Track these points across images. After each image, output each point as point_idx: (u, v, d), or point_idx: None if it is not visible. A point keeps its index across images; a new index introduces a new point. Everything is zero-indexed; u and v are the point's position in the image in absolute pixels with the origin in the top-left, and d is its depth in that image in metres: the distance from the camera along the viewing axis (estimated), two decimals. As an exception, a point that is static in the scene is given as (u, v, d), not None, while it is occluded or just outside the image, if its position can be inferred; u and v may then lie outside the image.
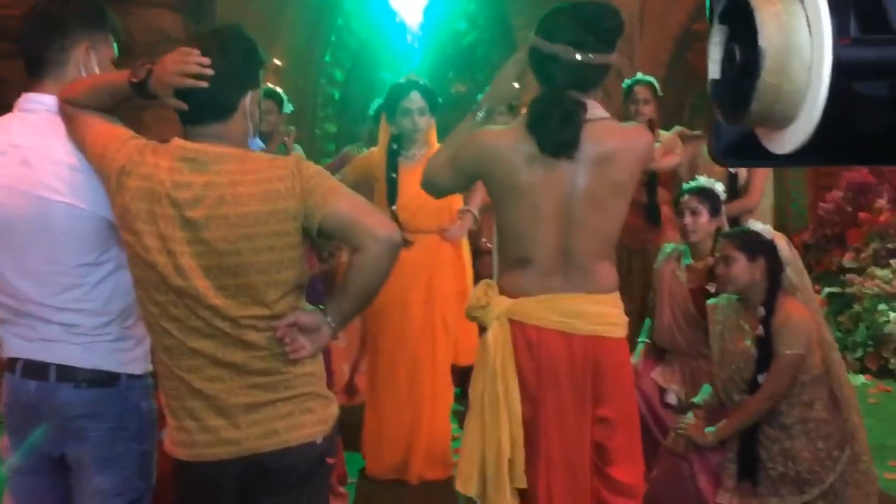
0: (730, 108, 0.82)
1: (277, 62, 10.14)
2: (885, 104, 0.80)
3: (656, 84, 6.38)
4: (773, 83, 0.76)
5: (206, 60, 2.45)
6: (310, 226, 2.48)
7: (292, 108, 6.40)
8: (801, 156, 0.81)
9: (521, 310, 3.02)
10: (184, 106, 2.50)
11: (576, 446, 3.04)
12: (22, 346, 2.73)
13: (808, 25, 0.76)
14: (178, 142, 2.53)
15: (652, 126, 6.09)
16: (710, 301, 4.41)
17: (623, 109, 6.42)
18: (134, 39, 9.27)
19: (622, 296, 3.23)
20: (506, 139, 3.03)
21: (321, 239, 2.59)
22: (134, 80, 2.54)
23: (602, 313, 3.08)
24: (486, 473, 2.99)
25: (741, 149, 0.85)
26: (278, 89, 6.34)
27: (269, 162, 2.53)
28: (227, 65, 2.52)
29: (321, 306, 2.60)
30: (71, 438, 2.72)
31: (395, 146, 5.17)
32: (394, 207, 5.02)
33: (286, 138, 5.95)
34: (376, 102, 5.91)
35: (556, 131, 2.93)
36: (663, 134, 6.30)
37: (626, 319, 3.17)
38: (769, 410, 4.05)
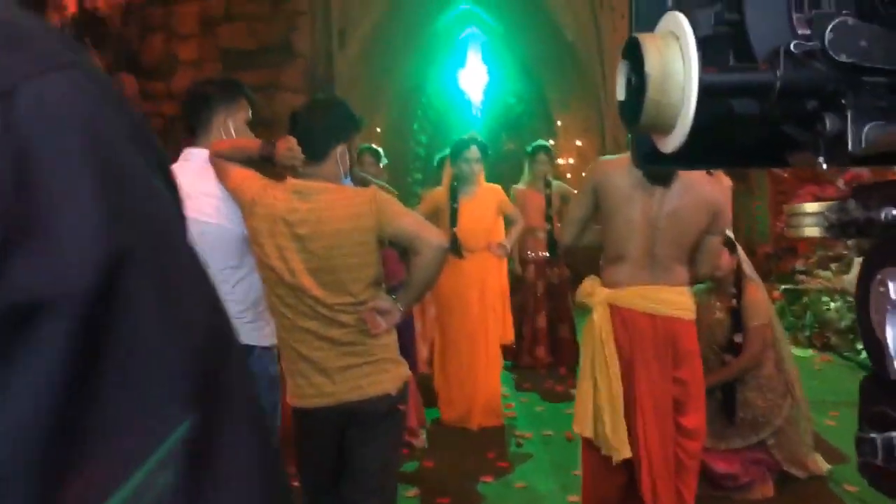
0: (629, 120, 0.80)
1: (378, 129, 10.24)
2: (754, 119, 0.80)
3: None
4: (654, 100, 0.74)
5: (300, 154, 2.55)
6: (383, 237, 2.52)
7: (387, 162, 6.42)
8: (686, 156, 0.81)
9: (618, 297, 3.03)
10: (297, 164, 2.59)
11: (661, 398, 3.03)
12: None
13: (682, 56, 0.74)
14: (290, 180, 2.61)
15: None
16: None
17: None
18: (276, 114, 9.46)
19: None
20: (617, 167, 3.04)
21: (392, 247, 2.60)
22: (263, 153, 2.64)
23: (678, 301, 3.06)
24: (602, 418, 2.99)
25: (652, 155, 0.83)
26: (377, 147, 6.38)
27: (355, 192, 2.58)
28: (325, 121, 2.62)
29: (394, 296, 2.60)
30: None
31: (455, 184, 5.18)
32: (454, 229, 5.04)
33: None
34: (438, 154, 5.95)
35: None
36: None
37: (694, 307, 3.15)
38: (749, 369, 4.03)
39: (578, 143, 10.51)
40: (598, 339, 3.01)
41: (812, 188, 8.42)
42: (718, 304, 4.13)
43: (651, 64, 0.78)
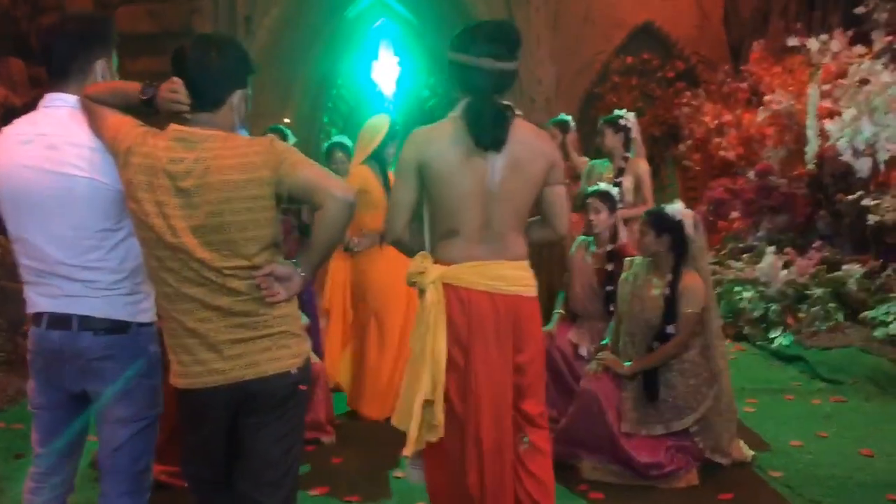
0: None
1: (287, 120, 9.84)
2: None
3: (568, 120, 6.26)
4: None
5: (185, 97, 2.25)
6: (281, 191, 2.20)
7: (296, 140, 6.12)
8: None
9: (454, 275, 2.70)
10: (183, 111, 2.26)
11: (500, 386, 2.74)
12: (47, 302, 2.39)
13: None
14: (173, 126, 2.26)
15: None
16: (627, 259, 4.23)
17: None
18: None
19: (538, 273, 2.94)
20: (438, 134, 2.70)
21: (291, 204, 2.28)
22: (143, 97, 2.31)
23: (519, 276, 2.77)
24: (414, 410, 2.66)
25: None
26: (284, 127, 6.09)
27: (248, 140, 2.25)
28: (221, 66, 2.26)
29: (294, 261, 2.29)
30: (91, 377, 2.38)
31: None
32: None
33: None
34: (326, 143, 5.93)
35: (490, 130, 2.62)
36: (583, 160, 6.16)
37: (535, 281, 2.84)
38: (675, 356, 3.92)
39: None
40: (425, 323, 2.66)
41: (724, 180, 8.43)
42: (656, 280, 3.99)
43: None
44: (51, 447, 2.49)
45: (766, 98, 8.04)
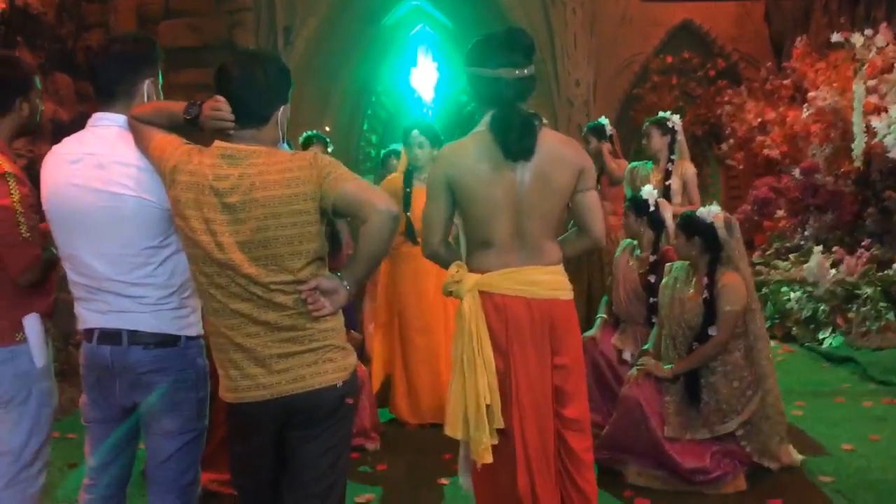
0: None
1: (327, 129, 9.93)
2: None
3: (605, 123, 6.22)
4: None
5: (229, 115, 2.27)
6: (325, 205, 2.22)
7: (333, 148, 6.20)
8: None
9: (489, 282, 2.71)
10: (228, 128, 2.29)
11: (540, 389, 2.74)
12: (97, 318, 2.44)
13: None
14: (217, 143, 2.29)
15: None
16: (667, 264, 4.24)
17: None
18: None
19: (578, 278, 2.93)
20: (466, 149, 2.72)
21: (336, 217, 2.29)
22: (187, 116, 2.35)
23: (553, 281, 2.77)
24: (468, 418, 2.67)
25: None
26: (325, 136, 6.17)
27: (292, 155, 2.27)
28: (265, 83, 2.29)
29: (339, 274, 2.31)
30: (141, 390, 2.43)
31: (409, 169, 5.03)
32: (408, 214, 4.80)
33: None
34: (383, 151, 5.86)
35: (518, 140, 2.63)
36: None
37: (570, 285, 2.84)
38: (715, 356, 3.88)
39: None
40: (468, 330, 2.67)
41: (769, 179, 8.31)
42: (694, 282, 3.97)
43: None
44: (103, 459, 2.55)
45: (811, 95, 7.91)
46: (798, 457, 4.05)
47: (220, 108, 2.27)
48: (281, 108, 2.33)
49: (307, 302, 2.21)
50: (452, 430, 2.73)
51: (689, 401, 3.85)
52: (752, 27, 10.17)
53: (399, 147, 5.97)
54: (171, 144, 2.30)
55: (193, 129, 2.37)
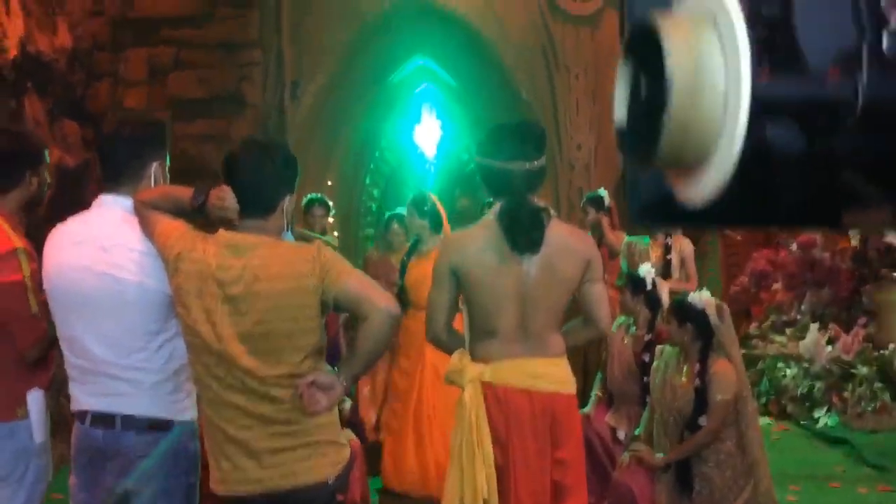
0: (636, 149, 0.51)
1: (329, 183, 9.98)
2: (802, 162, 0.49)
3: (603, 197, 6.21)
4: (681, 117, 0.45)
5: (234, 205, 2.29)
6: (327, 300, 2.23)
7: (334, 213, 6.27)
8: (718, 210, 0.49)
9: (492, 373, 2.71)
10: (233, 217, 2.32)
11: (539, 484, 2.72)
12: (91, 401, 2.44)
13: (723, 54, 0.45)
14: (222, 233, 2.31)
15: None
16: (658, 346, 4.22)
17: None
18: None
19: (575, 355, 2.94)
20: (474, 238, 2.76)
21: (336, 311, 2.30)
22: (194, 204, 2.36)
23: (556, 374, 2.77)
24: None
25: (656, 210, 0.53)
26: (327, 199, 6.23)
27: (295, 248, 2.29)
28: (272, 172, 2.30)
29: (335, 368, 2.31)
30: (132, 475, 2.40)
31: (415, 240, 5.21)
32: (400, 282, 4.92)
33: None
34: (387, 213, 6.09)
35: (526, 233, 2.65)
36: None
37: (573, 378, 2.85)
38: (707, 445, 3.83)
39: (532, 201, 10.36)
40: (468, 421, 2.66)
41: (766, 252, 8.34)
42: (686, 368, 3.93)
43: (677, 62, 0.50)
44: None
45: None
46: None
47: (224, 198, 2.29)
48: (287, 198, 2.34)
49: (303, 398, 2.20)
50: None
51: (680, 490, 3.81)
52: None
53: (402, 211, 6.02)
54: (176, 231, 2.31)
55: (199, 217, 2.39)
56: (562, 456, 2.74)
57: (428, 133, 11.02)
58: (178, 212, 2.40)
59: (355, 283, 2.22)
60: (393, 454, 4.99)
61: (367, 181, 10.96)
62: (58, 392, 6.25)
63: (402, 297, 4.85)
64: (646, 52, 0.51)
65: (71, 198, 8.96)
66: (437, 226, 5.06)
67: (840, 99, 0.48)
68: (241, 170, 2.30)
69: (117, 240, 2.42)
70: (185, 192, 2.40)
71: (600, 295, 2.83)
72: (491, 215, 2.74)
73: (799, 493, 4.96)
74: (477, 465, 2.63)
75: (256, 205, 2.29)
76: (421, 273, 4.84)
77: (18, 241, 2.64)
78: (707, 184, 0.48)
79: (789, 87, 0.50)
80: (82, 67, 9.23)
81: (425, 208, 5.04)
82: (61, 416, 6.11)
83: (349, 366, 2.29)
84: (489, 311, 2.70)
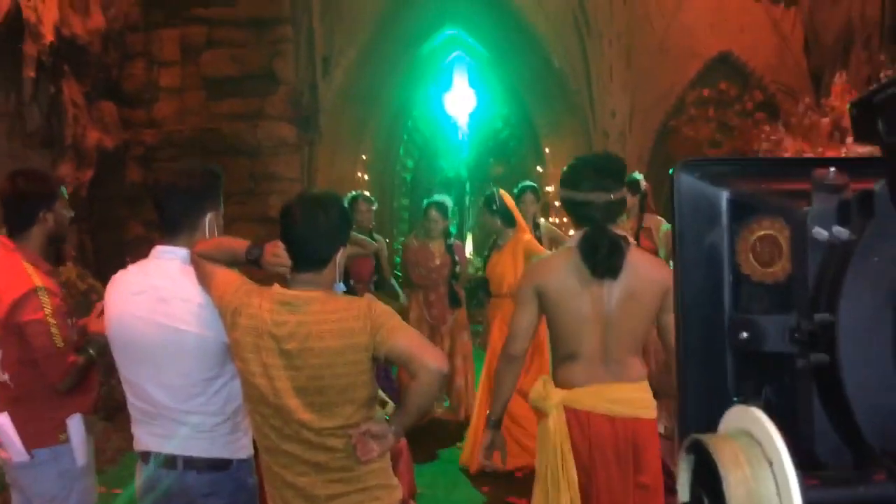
0: None
1: (364, 156, 10.04)
2: None
3: (639, 179, 6.11)
4: None
5: (288, 261, 2.37)
6: (378, 355, 2.31)
7: (377, 205, 6.44)
8: None
9: (574, 398, 2.82)
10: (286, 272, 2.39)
11: (626, 501, 2.83)
12: (154, 442, 2.57)
13: (778, 492, 0.53)
14: (277, 288, 2.38)
15: (642, 211, 5.85)
16: None
17: None
18: (261, 144, 9.24)
19: None
20: (556, 264, 2.91)
21: (387, 364, 2.40)
22: (249, 258, 2.44)
23: (638, 399, 2.88)
24: None
25: None
26: (370, 196, 6.34)
27: (348, 303, 2.34)
28: (327, 227, 2.37)
29: (387, 417, 2.41)
30: None
31: (495, 239, 5.85)
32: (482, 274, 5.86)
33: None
34: (426, 200, 6.42)
35: (607, 260, 2.76)
36: (656, 217, 6.00)
37: (654, 402, 2.95)
38: None
39: (567, 170, 10.34)
40: (553, 445, 2.78)
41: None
42: None
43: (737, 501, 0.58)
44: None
45: (849, 140, 7.87)
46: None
47: (279, 254, 2.37)
48: (340, 250, 2.41)
49: (356, 447, 2.30)
50: None
51: None
52: (791, 59, 10.11)
53: (440, 199, 6.12)
54: (232, 285, 2.39)
55: (254, 267, 2.48)
56: (644, 481, 2.84)
57: (460, 102, 11.01)
58: (234, 263, 2.49)
59: (406, 341, 2.30)
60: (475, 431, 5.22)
61: (401, 152, 11.01)
62: (108, 376, 6.48)
63: (485, 287, 5.67)
64: (705, 469, 0.58)
65: (112, 179, 9.13)
66: (509, 220, 5.54)
67: (886, 499, 0.56)
68: (298, 224, 2.36)
69: (175, 291, 2.52)
70: (240, 245, 2.48)
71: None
72: (572, 242, 2.86)
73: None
74: (562, 489, 2.75)
75: (310, 259, 2.36)
76: (500, 265, 5.53)
77: (39, 280, 2.77)
78: None
79: (841, 495, 0.57)
80: (116, 48, 9.31)
81: (494, 207, 5.50)
82: (115, 401, 6.35)
83: (399, 419, 2.37)
84: (572, 333, 2.81)
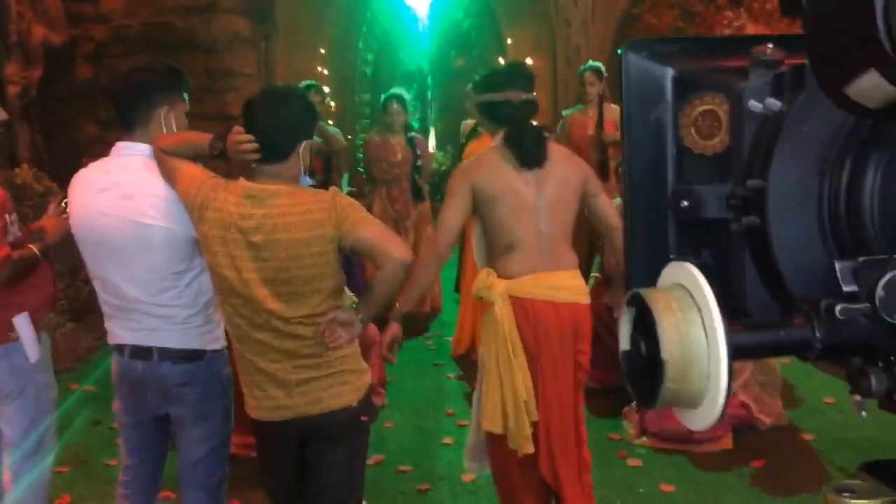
0: (640, 396, 0.68)
1: (322, 50, 9.86)
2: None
3: (602, 68, 6.09)
4: (673, 388, 0.62)
5: (252, 143, 2.38)
6: (343, 246, 2.37)
7: (329, 96, 6.34)
8: None
9: (518, 287, 2.93)
10: (252, 159, 2.41)
11: (565, 385, 2.99)
12: (128, 335, 2.63)
13: (706, 334, 0.62)
14: (242, 182, 2.42)
15: (602, 100, 5.85)
16: None
17: (578, 89, 6.18)
18: (215, 39, 9.01)
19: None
20: (486, 161, 3.00)
21: (353, 255, 2.46)
22: (213, 151, 2.48)
23: (575, 286, 3.02)
24: (508, 413, 2.91)
25: None
26: (324, 87, 6.23)
27: (312, 196, 2.40)
28: (289, 118, 2.41)
29: (354, 304, 2.49)
30: (171, 401, 2.64)
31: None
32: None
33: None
34: (383, 95, 6.23)
35: (532, 149, 2.94)
36: (613, 107, 6.01)
37: (588, 289, 3.10)
38: None
39: (529, 60, 10.24)
40: (501, 333, 2.91)
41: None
42: None
43: (670, 348, 0.65)
44: (137, 458, 2.77)
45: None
46: (786, 416, 4.30)
47: (240, 140, 2.39)
48: (304, 143, 2.44)
49: (324, 334, 2.39)
50: (492, 425, 2.96)
51: None
52: (755, -58, 9.97)
53: (399, 91, 6.08)
54: (197, 179, 2.42)
55: (219, 160, 2.50)
56: (582, 359, 3.01)
57: (420, -8, 10.79)
58: (198, 157, 2.51)
59: (371, 232, 2.36)
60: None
61: (361, 45, 10.82)
62: (74, 277, 6.48)
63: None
64: (642, 315, 0.65)
65: (62, 77, 8.89)
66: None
67: (803, 341, 0.64)
68: (259, 116, 2.40)
69: (140, 187, 2.54)
70: (204, 138, 2.50)
71: (607, 203, 3.09)
72: (497, 141, 2.98)
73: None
74: (515, 372, 2.88)
75: (274, 150, 2.39)
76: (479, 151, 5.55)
77: None
78: (699, 423, 0.64)
79: (762, 338, 0.65)
80: (57, -61, 8.93)
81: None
82: (81, 302, 6.38)
83: (366, 306, 2.46)
84: (509, 224, 2.92)
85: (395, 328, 2.92)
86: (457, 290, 6.11)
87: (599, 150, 5.78)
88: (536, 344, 2.94)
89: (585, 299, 3.03)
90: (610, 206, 3.10)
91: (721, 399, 0.60)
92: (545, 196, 2.94)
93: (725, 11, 9.60)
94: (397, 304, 2.93)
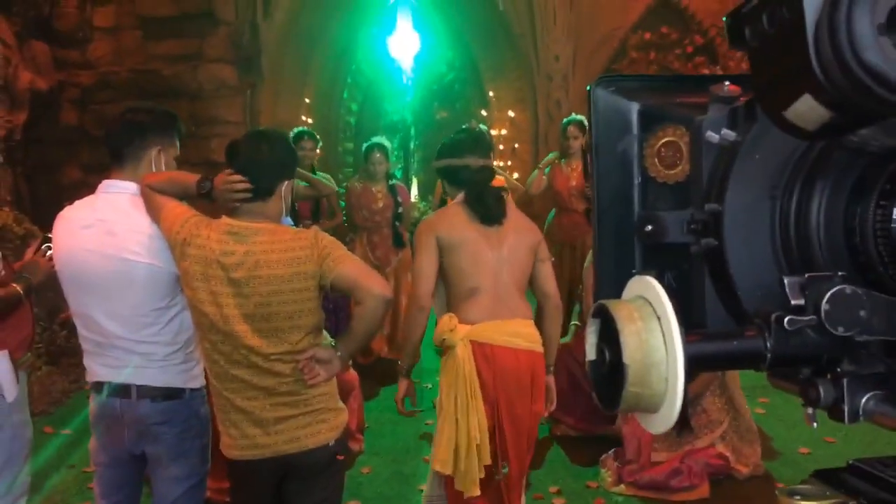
0: (602, 398, 0.73)
1: (307, 100, 9.98)
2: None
3: (584, 121, 6.22)
4: (634, 391, 0.67)
5: (242, 183, 2.43)
6: (324, 283, 2.42)
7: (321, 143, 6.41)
8: None
9: (478, 332, 3.03)
10: (241, 199, 2.46)
11: (524, 429, 3.08)
12: (107, 372, 2.64)
13: (664, 341, 0.67)
14: (225, 219, 2.46)
15: (586, 152, 5.99)
16: None
17: (561, 141, 6.31)
18: (202, 86, 9.13)
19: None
20: (450, 215, 3.15)
21: (333, 293, 2.50)
22: (201, 190, 2.52)
23: (532, 334, 3.12)
24: (460, 455, 2.95)
25: None
26: (315, 134, 6.28)
27: (294, 234, 2.44)
28: (271, 158, 2.48)
29: (333, 342, 2.51)
30: (149, 440, 2.64)
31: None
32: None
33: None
34: (365, 144, 6.33)
35: (493, 208, 3.10)
36: None
37: (541, 339, 3.19)
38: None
39: (511, 113, 10.44)
40: (462, 375, 2.98)
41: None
42: None
43: (631, 354, 0.70)
44: (112, 499, 2.75)
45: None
46: (762, 466, 4.34)
47: (233, 180, 2.44)
48: (285, 183, 2.50)
49: (303, 371, 2.41)
50: (443, 466, 2.99)
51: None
52: (731, 3, 10.27)
53: (381, 140, 6.17)
54: (181, 216, 2.46)
55: (205, 201, 2.54)
56: (537, 409, 3.13)
57: (404, 44, 10.96)
58: (185, 196, 2.56)
59: (351, 269, 2.40)
60: None
61: (345, 95, 10.96)
62: (51, 321, 6.45)
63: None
64: (606, 325, 0.70)
65: (47, 122, 8.94)
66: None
67: (754, 351, 0.69)
68: (242, 155, 2.46)
69: (125, 224, 2.57)
70: (191, 178, 2.54)
71: (549, 272, 3.25)
72: (458, 200, 3.15)
73: (767, 405, 5.32)
74: (471, 414, 2.93)
75: (257, 189, 2.44)
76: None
77: None
78: (658, 426, 0.68)
79: (716, 348, 0.70)
80: (47, -15, 9.07)
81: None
82: (57, 347, 6.35)
83: (346, 343, 2.49)
84: (470, 271, 3.04)
85: (405, 384, 3.12)
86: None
87: (586, 199, 5.90)
88: (495, 388, 3.02)
89: (539, 348, 3.13)
90: (551, 275, 3.25)
91: (678, 403, 0.65)
92: (504, 248, 3.09)
93: (702, 69, 9.84)
94: (400, 363, 3.13)
